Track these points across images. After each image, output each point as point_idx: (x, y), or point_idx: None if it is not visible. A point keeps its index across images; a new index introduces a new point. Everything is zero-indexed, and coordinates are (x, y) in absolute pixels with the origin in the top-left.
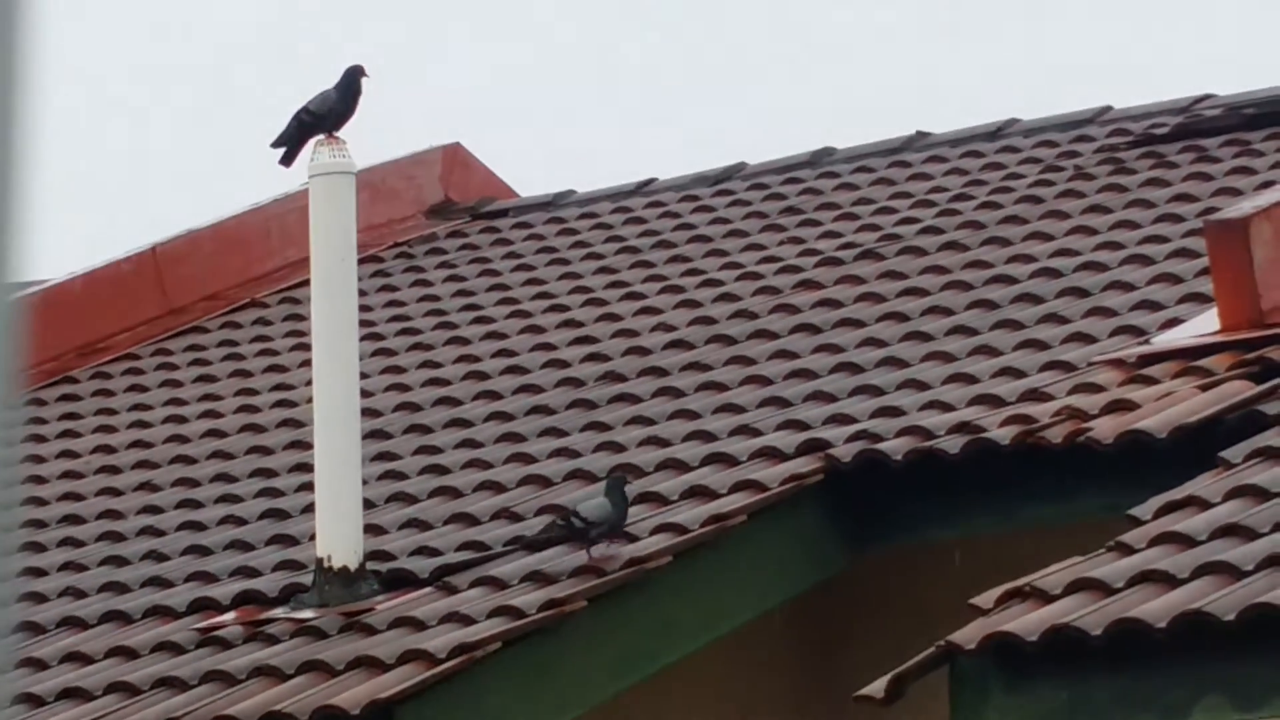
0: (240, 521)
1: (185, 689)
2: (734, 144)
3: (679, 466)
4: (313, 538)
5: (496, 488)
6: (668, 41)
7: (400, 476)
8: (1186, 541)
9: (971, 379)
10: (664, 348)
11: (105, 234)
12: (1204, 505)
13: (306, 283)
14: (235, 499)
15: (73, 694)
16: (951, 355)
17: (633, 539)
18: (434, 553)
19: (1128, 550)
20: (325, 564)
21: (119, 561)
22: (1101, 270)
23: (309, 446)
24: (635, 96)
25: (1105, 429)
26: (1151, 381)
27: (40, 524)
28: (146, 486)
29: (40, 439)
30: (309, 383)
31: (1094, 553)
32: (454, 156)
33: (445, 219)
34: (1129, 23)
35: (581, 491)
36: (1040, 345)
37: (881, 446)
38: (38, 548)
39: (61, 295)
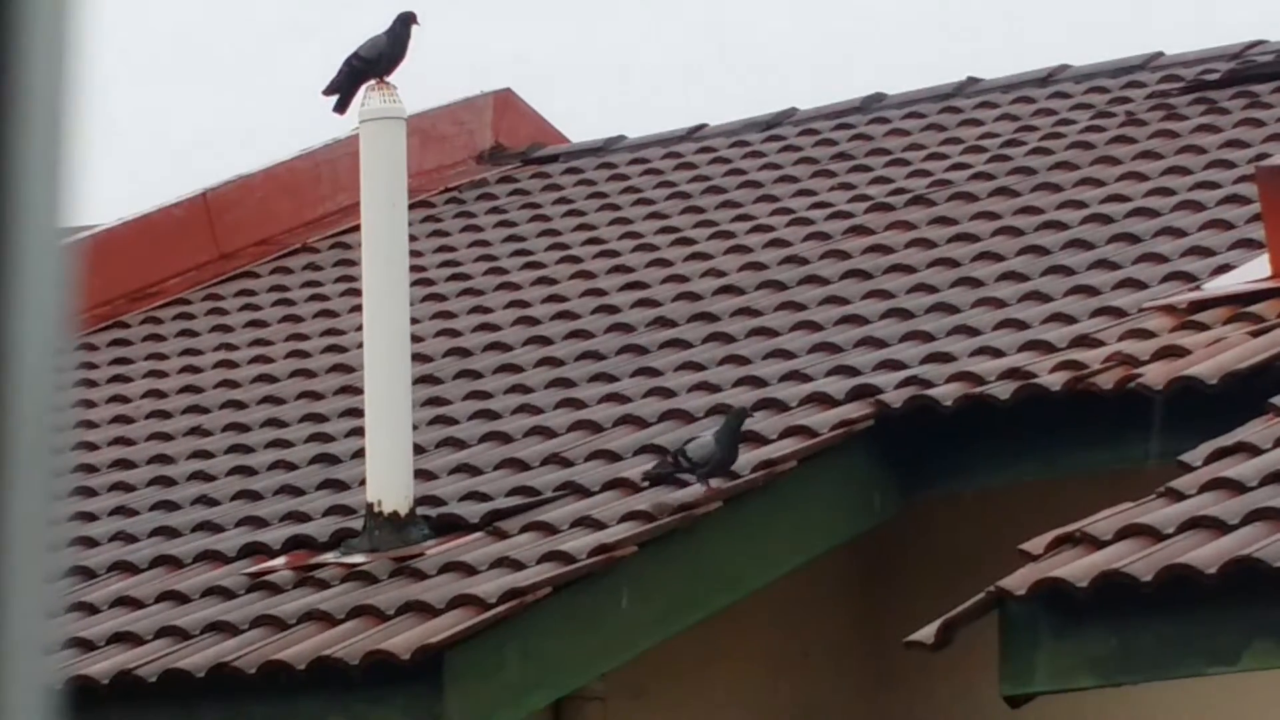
0: (291, 466)
1: (236, 633)
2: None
3: (726, 411)
4: (363, 483)
5: (547, 433)
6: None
7: (450, 422)
8: (1237, 488)
9: (1022, 325)
10: (714, 293)
11: (160, 180)
12: (1254, 451)
13: (358, 228)
14: (286, 444)
15: (123, 638)
16: (1002, 301)
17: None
18: (484, 498)
19: (1178, 496)
20: (376, 509)
21: (170, 506)
22: (1152, 216)
23: (360, 392)
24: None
25: (1156, 375)
26: (1202, 328)
27: (91, 469)
28: (197, 431)
29: (91, 384)
30: (360, 328)
31: (1144, 499)
32: (505, 102)
33: (496, 164)
34: None
35: (702, 424)
36: (1091, 291)
37: (932, 393)
38: (89, 493)
39: (113, 240)
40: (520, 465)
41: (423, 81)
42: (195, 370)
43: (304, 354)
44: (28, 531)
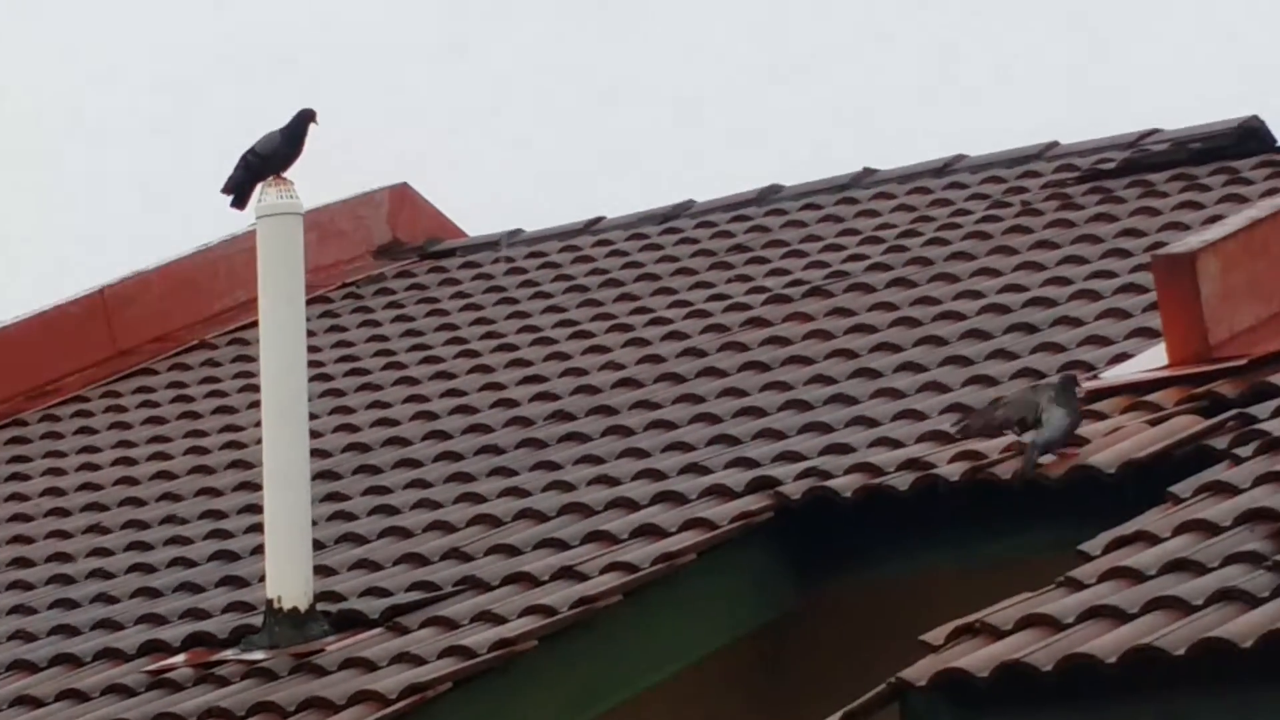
0: (190, 563)
1: None
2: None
3: (629, 505)
4: (263, 579)
5: (446, 528)
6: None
7: (350, 517)
8: (1136, 577)
9: (920, 415)
10: (612, 386)
11: (53, 276)
12: (1153, 540)
13: (255, 324)
14: (185, 540)
15: None
16: (900, 392)
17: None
18: (384, 593)
19: (1078, 586)
20: (275, 605)
21: (69, 604)
22: (1050, 305)
23: (258, 488)
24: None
25: (1055, 465)
26: (1100, 417)
27: None
28: (96, 529)
29: None
30: (258, 424)
31: (1044, 589)
32: (402, 196)
33: (393, 259)
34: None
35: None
36: (989, 381)
37: (831, 484)
38: None
39: (9, 338)
40: (420, 560)
41: (320, 177)
42: (93, 468)
43: (202, 450)
44: None
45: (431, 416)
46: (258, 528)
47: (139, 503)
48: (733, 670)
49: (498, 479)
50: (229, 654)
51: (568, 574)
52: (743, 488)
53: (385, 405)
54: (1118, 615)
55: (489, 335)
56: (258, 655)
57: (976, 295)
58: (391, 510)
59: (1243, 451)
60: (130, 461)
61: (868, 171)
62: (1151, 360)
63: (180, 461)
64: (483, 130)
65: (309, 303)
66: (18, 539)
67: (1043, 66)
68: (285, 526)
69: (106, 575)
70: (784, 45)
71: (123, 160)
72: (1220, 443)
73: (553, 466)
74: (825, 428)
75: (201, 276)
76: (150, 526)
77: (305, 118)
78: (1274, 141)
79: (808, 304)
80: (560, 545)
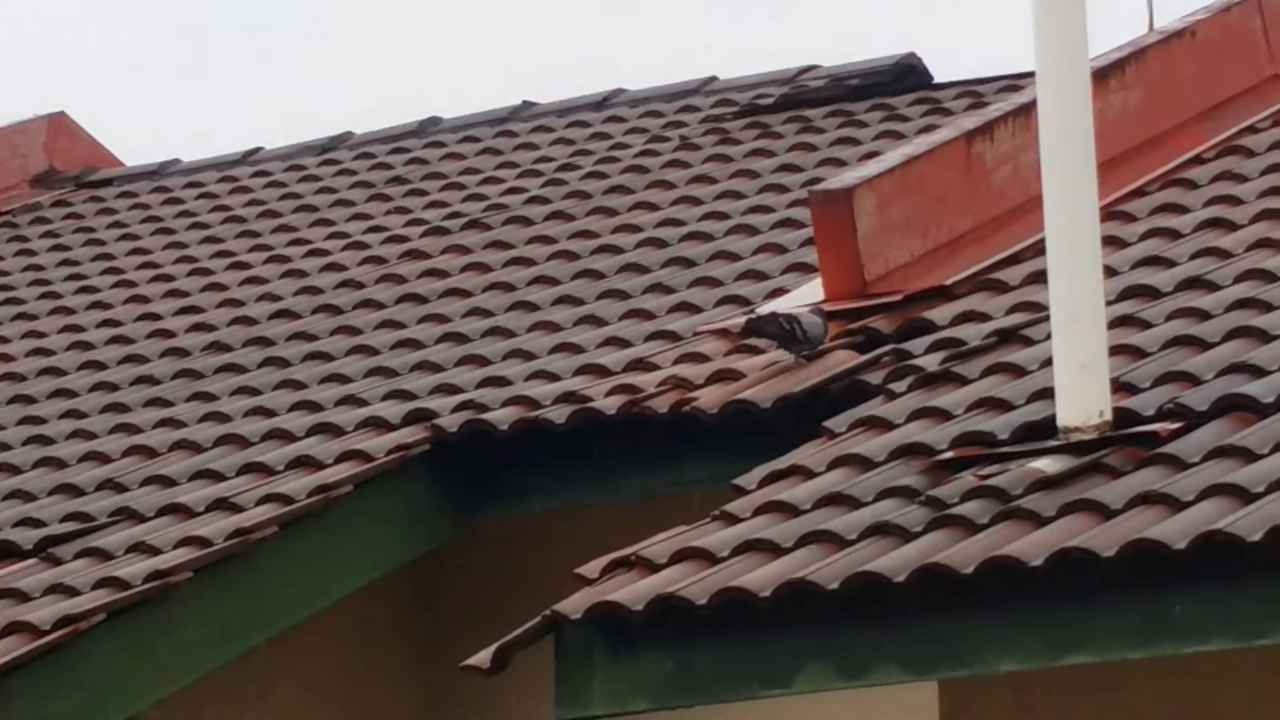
0: None
1: None
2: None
3: (285, 437)
4: None
5: (101, 458)
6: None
7: (3, 447)
8: (790, 511)
9: (578, 349)
10: (270, 318)
11: None
12: (808, 474)
13: None
14: None
15: None
16: (558, 325)
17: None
18: (38, 524)
19: (732, 519)
20: None
21: None
22: (707, 240)
23: None
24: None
25: (710, 399)
26: (756, 351)
27: None
28: None
29: None
30: None
31: (699, 522)
32: (59, 125)
33: (50, 188)
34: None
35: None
36: (646, 315)
37: (488, 416)
38: None
39: None
40: (75, 490)
41: None
42: None
43: None
44: None
45: (87, 347)
46: None
47: None
48: (389, 602)
49: (154, 409)
50: None
51: (223, 505)
52: (400, 420)
53: (41, 335)
54: (772, 549)
55: (145, 266)
56: None
57: (634, 229)
58: (46, 440)
59: (897, 387)
60: None
61: (526, 104)
62: (808, 295)
63: None
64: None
65: None
66: None
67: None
68: None
69: None
70: None
71: None
72: (875, 378)
73: (209, 398)
74: (483, 361)
75: None
76: None
77: None
78: (931, 78)
79: (466, 236)
80: (216, 476)
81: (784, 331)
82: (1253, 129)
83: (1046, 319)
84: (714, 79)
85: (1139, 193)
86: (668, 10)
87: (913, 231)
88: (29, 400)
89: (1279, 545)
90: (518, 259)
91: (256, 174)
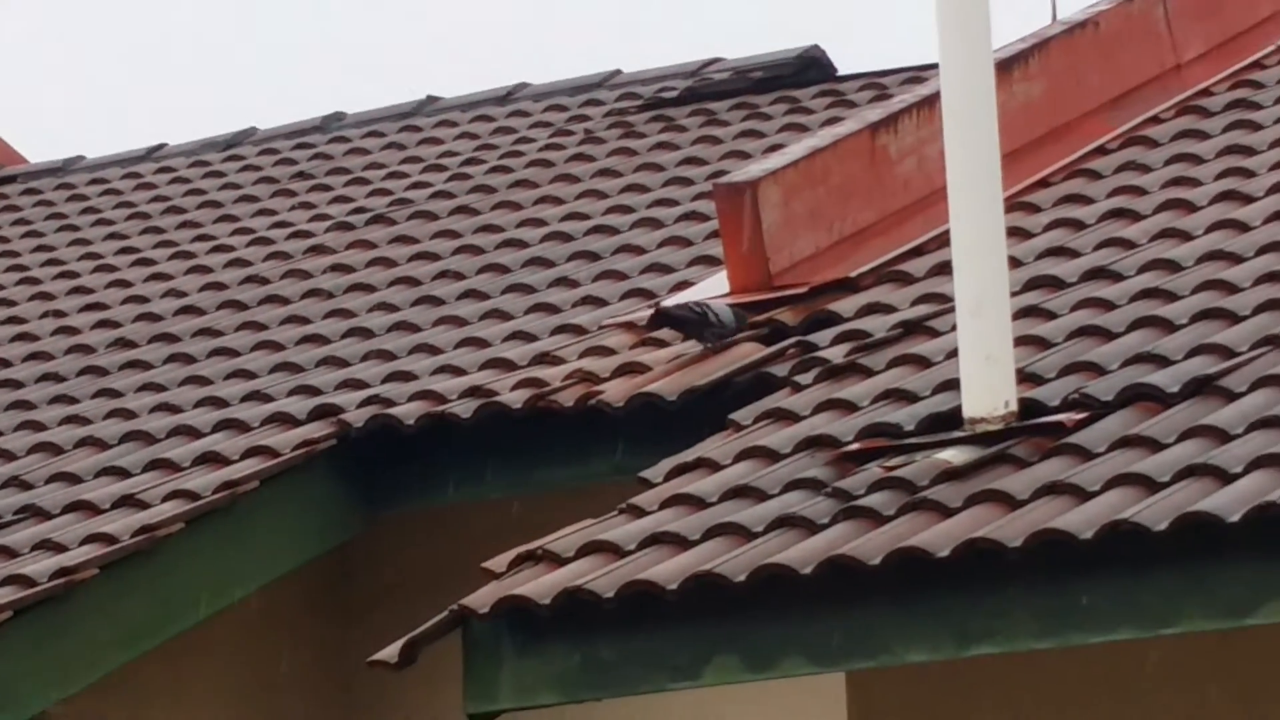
0: None
1: None
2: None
3: (191, 433)
4: None
5: (6, 456)
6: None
7: None
8: (697, 503)
9: (483, 343)
10: (175, 314)
11: None
12: (714, 467)
13: None
14: None
15: None
16: (464, 320)
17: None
18: None
19: (639, 512)
20: None
21: None
22: (612, 234)
23: None
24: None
25: (616, 392)
26: (662, 344)
27: None
28: None
29: None
30: None
31: (605, 515)
32: None
33: None
34: None
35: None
36: (551, 309)
37: (393, 411)
38: None
39: None
40: None
41: None
42: None
43: None
44: None
45: None
46: None
47: None
48: (297, 597)
49: (58, 406)
50: None
51: (129, 502)
52: (306, 416)
53: None
54: (679, 542)
55: (50, 263)
56: None
57: (539, 223)
58: None
59: (803, 379)
60: None
61: (431, 99)
62: (713, 288)
63: None
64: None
65: None
66: None
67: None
68: None
69: None
70: None
71: None
72: (781, 370)
73: (114, 394)
74: (388, 356)
75: None
76: None
77: None
78: (834, 71)
79: (371, 232)
80: (122, 473)
81: (696, 315)
82: (1156, 119)
83: (952, 310)
84: (618, 72)
85: (1043, 183)
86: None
87: (817, 224)
88: None
89: (1185, 534)
90: (423, 254)
91: (161, 170)
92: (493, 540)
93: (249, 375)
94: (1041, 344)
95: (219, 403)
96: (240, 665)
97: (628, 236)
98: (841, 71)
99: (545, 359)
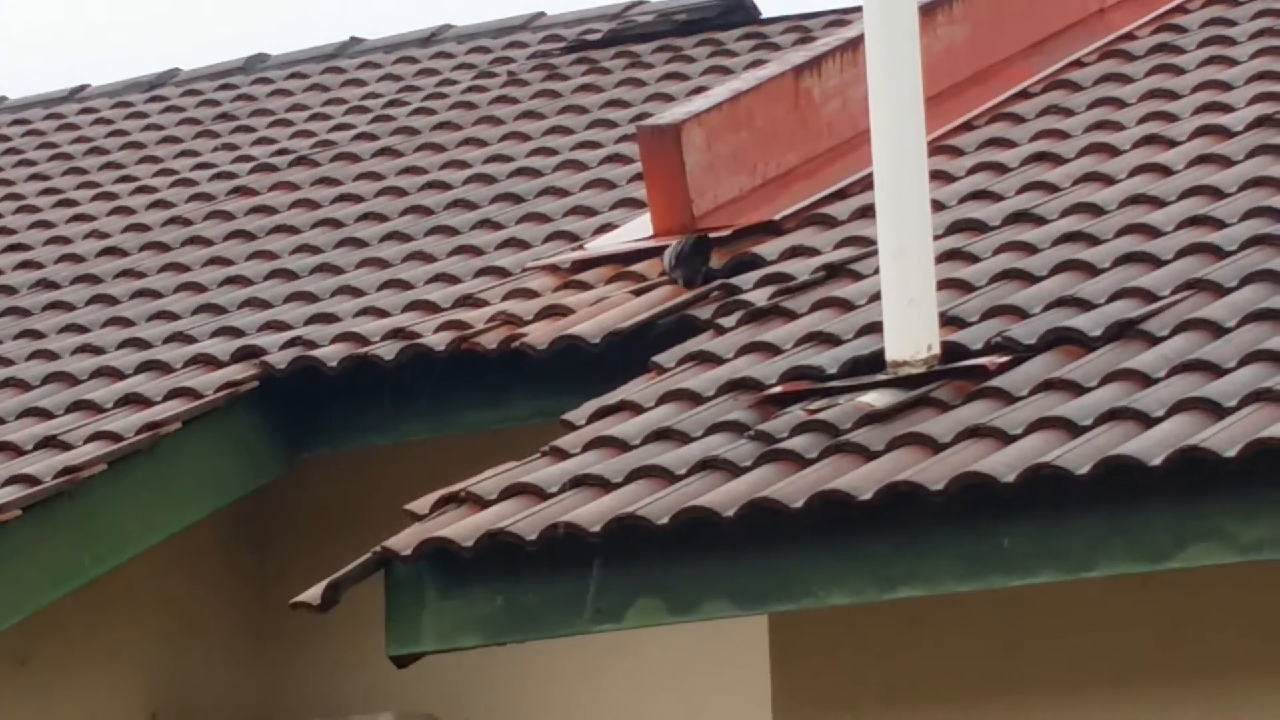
0: None
1: None
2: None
3: (113, 374)
4: None
5: None
6: None
7: None
8: (620, 446)
9: (406, 285)
10: (97, 255)
11: None
12: (637, 409)
13: None
14: None
15: None
16: (387, 262)
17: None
18: None
19: (562, 455)
20: None
21: None
22: (535, 176)
23: None
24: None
25: (539, 334)
26: (585, 287)
27: None
28: None
29: None
30: None
31: (528, 458)
32: None
33: None
34: None
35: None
36: (475, 251)
37: (316, 353)
38: None
39: None
40: None
41: None
42: None
43: None
44: None
45: None
46: None
47: None
48: (220, 538)
49: None
50: None
51: (52, 443)
52: (228, 357)
53: None
54: (602, 484)
55: None
56: None
57: (463, 165)
58: None
59: (726, 322)
60: None
61: (354, 40)
62: (636, 231)
63: None
64: None
65: None
66: None
67: None
68: None
69: None
70: None
71: None
72: (704, 313)
73: (36, 335)
74: (311, 297)
75: None
76: None
77: None
78: (759, 14)
79: (294, 173)
80: (44, 414)
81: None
82: (1079, 63)
83: (875, 254)
84: (541, 14)
85: (967, 127)
86: None
87: (741, 167)
88: None
89: (1107, 479)
90: (346, 195)
91: (83, 110)
92: (415, 482)
93: (172, 317)
94: (964, 287)
95: (141, 344)
96: (163, 604)
97: (551, 179)
98: (765, 14)
99: (468, 301)
